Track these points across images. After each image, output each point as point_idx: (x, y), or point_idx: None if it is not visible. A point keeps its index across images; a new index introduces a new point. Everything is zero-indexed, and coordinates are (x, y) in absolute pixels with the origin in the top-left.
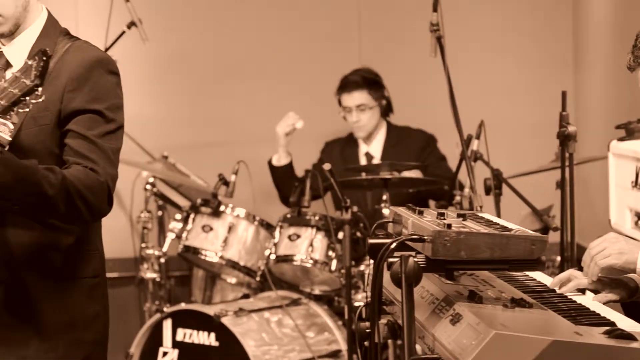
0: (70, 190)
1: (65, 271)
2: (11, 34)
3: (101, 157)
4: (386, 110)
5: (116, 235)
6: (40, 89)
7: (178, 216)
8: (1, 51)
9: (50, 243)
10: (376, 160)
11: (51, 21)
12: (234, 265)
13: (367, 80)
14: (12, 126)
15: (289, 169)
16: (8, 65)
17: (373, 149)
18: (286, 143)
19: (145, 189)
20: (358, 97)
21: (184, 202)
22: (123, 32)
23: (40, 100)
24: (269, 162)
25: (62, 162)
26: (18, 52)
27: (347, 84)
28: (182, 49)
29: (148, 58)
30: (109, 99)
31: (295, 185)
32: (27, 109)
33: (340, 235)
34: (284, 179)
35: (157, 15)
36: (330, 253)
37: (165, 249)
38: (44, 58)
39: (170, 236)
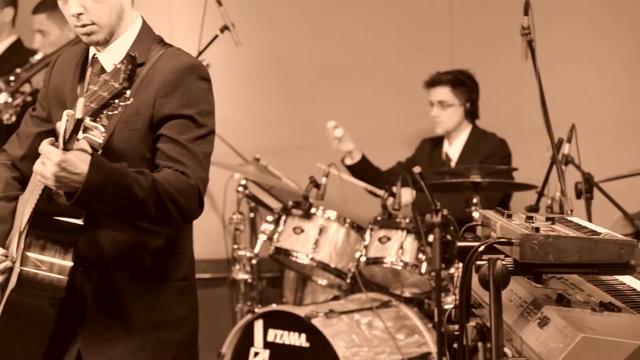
0: (160, 192)
1: (154, 273)
2: (106, 42)
3: (192, 160)
4: (470, 113)
5: (209, 236)
6: (128, 91)
7: (269, 218)
8: (96, 57)
9: (140, 245)
10: (453, 162)
11: (145, 29)
12: (324, 267)
13: (453, 78)
14: (102, 129)
15: (364, 164)
16: (103, 70)
17: (452, 150)
18: (346, 146)
19: (238, 191)
20: (440, 93)
21: (275, 204)
22: (216, 36)
23: (128, 102)
24: (343, 163)
25: (153, 166)
26: (112, 58)
27: (433, 79)
28: (275, 53)
29: (241, 61)
30: (200, 105)
31: (381, 176)
32: (116, 112)
33: (431, 238)
34: (365, 174)
35: (249, 19)
36: (421, 256)
37: (257, 250)
38: (133, 62)
39: (262, 238)
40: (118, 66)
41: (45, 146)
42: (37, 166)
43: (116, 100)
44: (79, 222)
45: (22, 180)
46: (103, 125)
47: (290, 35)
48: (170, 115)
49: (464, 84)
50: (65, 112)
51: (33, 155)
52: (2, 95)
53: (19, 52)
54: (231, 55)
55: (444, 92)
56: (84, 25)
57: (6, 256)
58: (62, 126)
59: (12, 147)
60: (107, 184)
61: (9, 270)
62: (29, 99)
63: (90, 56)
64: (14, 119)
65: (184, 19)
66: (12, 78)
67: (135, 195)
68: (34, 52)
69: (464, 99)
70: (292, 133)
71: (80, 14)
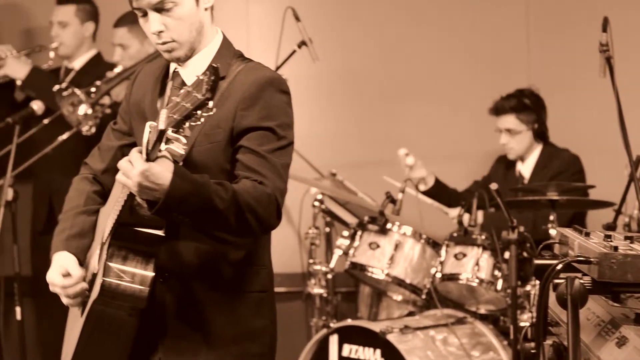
0: (240, 203)
1: (234, 285)
2: (187, 58)
3: (271, 171)
4: (539, 133)
5: (284, 250)
6: (210, 102)
7: (345, 233)
8: (177, 71)
9: (220, 257)
10: (526, 179)
11: (226, 44)
12: (400, 282)
13: (517, 104)
14: (184, 140)
15: (438, 189)
16: (183, 84)
17: (525, 169)
18: (419, 173)
19: (314, 206)
20: (506, 122)
21: (351, 219)
22: (294, 52)
23: (211, 113)
24: (417, 189)
25: (233, 178)
26: (193, 72)
27: (496, 108)
28: (351, 68)
29: (318, 76)
30: (280, 117)
31: (458, 196)
32: (199, 123)
33: (507, 254)
34: (441, 197)
35: (327, 35)
36: (497, 272)
37: (332, 265)
38: (215, 73)
39: (338, 252)
40: (200, 77)
41: (132, 153)
42: (120, 176)
43: (199, 111)
44: (160, 233)
45: (103, 194)
46: (185, 137)
47: (367, 51)
48: (250, 127)
49: (528, 108)
50: (149, 123)
51: (114, 168)
52: (82, 106)
53: (99, 66)
54: (308, 71)
55: (509, 120)
56: (164, 43)
57: (83, 278)
58: (145, 137)
59: (93, 160)
60: (189, 195)
61: (86, 293)
62: (108, 110)
63: (171, 70)
64: (93, 130)
65: (262, 35)
66: (93, 90)
67: (216, 206)
68: (113, 66)
69: (530, 123)
70: (368, 148)
71: (160, 31)
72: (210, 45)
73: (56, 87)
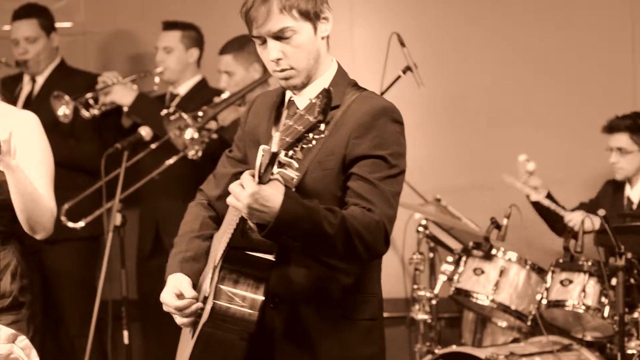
0: (348, 229)
1: (343, 311)
2: (303, 86)
3: (380, 198)
4: None
5: (388, 275)
6: (322, 125)
7: (450, 258)
8: (292, 100)
9: (330, 283)
10: (634, 204)
11: (340, 73)
12: (505, 308)
13: (632, 124)
14: (297, 165)
15: (550, 200)
16: None
17: (634, 194)
18: (535, 181)
19: (418, 231)
20: (618, 140)
21: (455, 245)
22: (399, 77)
23: (322, 135)
24: (528, 199)
25: (343, 205)
26: (308, 100)
27: (610, 126)
28: (456, 93)
29: (422, 102)
30: (392, 146)
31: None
32: (311, 145)
33: (614, 281)
34: (549, 214)
35: (432, 60)
36: (603, 299)
37: (436, 290)
38: (328, 96)
39: (442, 278)
40: (313, 101)
41: (244, 176)
42: (231, 199)
43: (311, 134)
44: (271, 258)
45: (217, 220)
46: (298, 160)
47: (472, 76)
48: (362, 155)
49: None
50: (261, 146)
51: (228, 195)
52: (189, 131)
53: (204, 91)
54: (412, 96)
55: (622, 139)
56: (282, 70)
57: (196, 299)
58: (257, 160)
59: (208, 187)
60: (299, 219)
61: (199, 312)
62: (214, 135)
63: (286, 99)
64: (199, 154)
65: (367, 60)
66: (200, 114)
67: (325, 231)
68: (218, 91)
69: None
70: (472, 173)
71: (279, 59)
72: (326, 74)
73: (164, 112)
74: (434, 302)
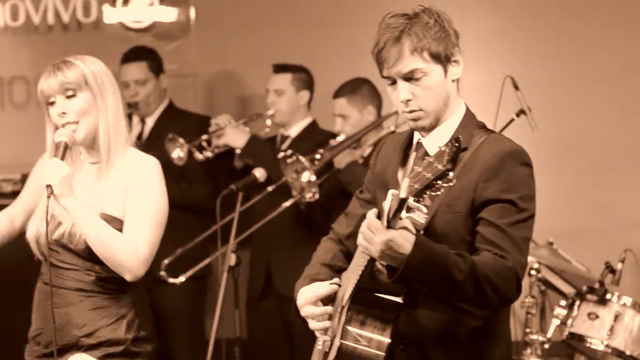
0: (478, 275)
1: (471, 354)
2: (432, 128)
3: (511, 245)
4: None
5: None
6: (451, 173)
7: (563, 302)
8: (420, 142)
9: (459, 326)
10: None
11: (469, 115)
12: (619, 354)
13: None
14: (425, 210)
15: None
16: (426, 154)
17: None
18: None
19: (530, 275)
20: None
21: (566, 288)
22: (512, 120)
23: (450, 184)
24: None
25: (472, 249)
26: (436, 142)
27: None
28: (569, 135)
29: (535, 145)
30: (521, 190)
31: None
32: (439, 193)
33: None
34: None
35: (545, 103)
36: None
37: (549, 334)
38: (457, 145)
39: (555, 322)
40: (442, 149)
41: (373, 220)
42: (361, 241)
43: (439, 182)
44: (399, 300)
45: (348, 255)
46: (426, 206)
47: (584, 118)
48: (491, 199)
49: None
50: (390, 191)
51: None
52: (305, 173)
53: (314, 133)
54: (525, 139)
55: None
56: (411, 111)
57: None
58: (386, 205)
59: (339, 225)
60: (428, 265)
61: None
62: (326, 177)
63: (414, 141)
64: (317, 197)
65: (480, 103)
66: (317, 157)
67: (454, 277)
68: (328, 133)
69: None
70: (584, 216)
71: (408, 100)
72: (455, 116)
73: (280, 155)
74: (546, 346)
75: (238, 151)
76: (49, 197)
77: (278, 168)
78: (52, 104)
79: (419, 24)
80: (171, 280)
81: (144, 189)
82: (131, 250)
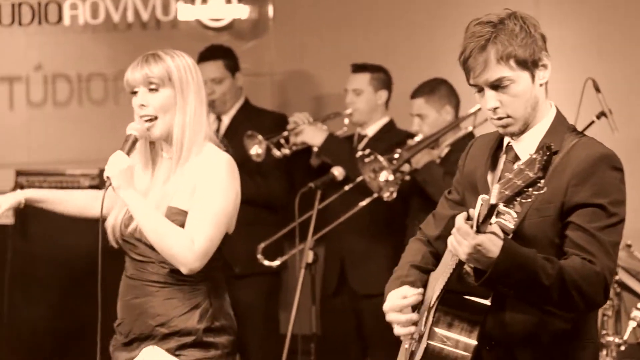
0: (566, 280)
1: (558, 357)
2: (521, 133)
3: (599, 249)
4: None
5: None
6: (542, 181)
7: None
8: (510, 145)
9: (547, 328)
10: None
11: (559, 118)
12: None
13: None
14: (515, 215)
15: None
16: (516, 158)
17: None
18: None
19: None
20: None
21: None
22: (592, 122)
23: (541, 192)
24: None
25: (561, 252)
26: (526, 147)
27: None
28: None
29: (615, 147)
30: (611, 194)
31: None
32: (530, 200)
33: None
34: None
35: (625, 105)
36: None
37: (626, 336)
38: (548, 152)
39: (632, 324)
40: (534, 156)
41: (463, 225)
42: (452, 240)
43: (530, 189)
44: (487, 302)
45: (437, 256)
46: (516, 212)
47: None
48: (581, 203)
49: None
50: (481, 196)
51: (447, 236)
52: (383, 173)
53: (391, 133)
54: (605, 141)
55: None
56: (500, 118)
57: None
58: (476, 210)
59: (428, 227)
60: (515, 269)
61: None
62: (407, 177)
63: (504, 143)
64: (394, 196)
65: (560, 104)
66: (395, 156)
67: (541, 282)
68: (405, 133)
69: None
70: None
71: (496, 108)
72: (545, 120)
73: (359, 154)
74: (622, 348)
75: (315, 149)
76: (106, 188)
77: (355, 167)
78: (135, 93)
79: (504, 31)
80: (267, 262)
81: (211, 183)
82: (186, 243)
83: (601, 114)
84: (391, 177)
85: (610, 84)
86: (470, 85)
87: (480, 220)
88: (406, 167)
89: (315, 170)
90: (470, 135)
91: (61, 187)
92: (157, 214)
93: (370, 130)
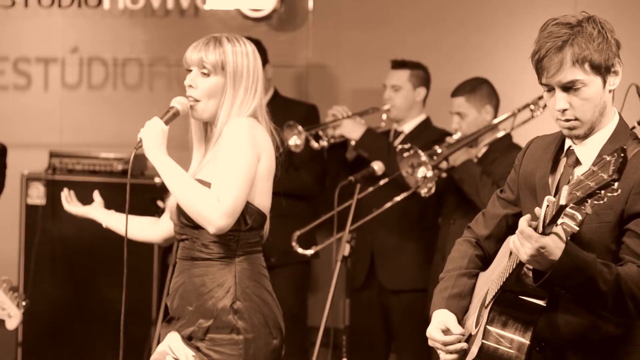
0: (622, 288)
1: None
2: (585, 137)
3: None
4: None
5: None
6: (616, 183)
7: None
8: (572, 149)
9: (596, 331)
10: None
11: (622, 125)
12: None
13: None
14: (580, 217)
15: None
16: (577, 162)
17: None
18: None
19: None
20: None
21: None
22: (633, 128)
23: (615, 194)
24: None
25: (616, 258)
26: (588, 151)
27: None
28: None
29: None
30: None
31: None
32: (602, 202)
33: None
34: None
35: None
36: None
37: None
38: (623, 154)
39: None
40: (607, 159)
41: (526, 228)
42: (514, 240)
43: (602, 191)
44: (542, 303)
45: (484, 259)
46: (586, 213)
47: None
48: None
49: None
50: (547, 197)
51: (497, 235)
52: (422, 169)
53: (428, 130)
54: None
55: None
56: (567, 120)
57: (463, 335)
58: (542, 211)
59: (477, 225)
60: (574, 273)
61: (464, 352)
62: (444, 175)
63: (565, 147)
64: (432, 191)
65: None
66: (435, 152)
67: (598, 287)
68: (441, 131)
69: None
70: None
71: (565, 109)
72: (608, 126)
73: (399, 147)
74: None
75: (353, 143)
76: (137, 148)
77: (393, 162)
78: (189, 71)
79: (582, 34)
80: (300, 250)
81: (229, 147)
82: (212, 201)
83: None
84: (429, 174)
85: None
86: (542, 84)
87: (547, 222)
88: (444, 165)
89: (350, 164)
90: (507, 137)
91: (94, 171)
92: (184, 174)
93: (407, 127)
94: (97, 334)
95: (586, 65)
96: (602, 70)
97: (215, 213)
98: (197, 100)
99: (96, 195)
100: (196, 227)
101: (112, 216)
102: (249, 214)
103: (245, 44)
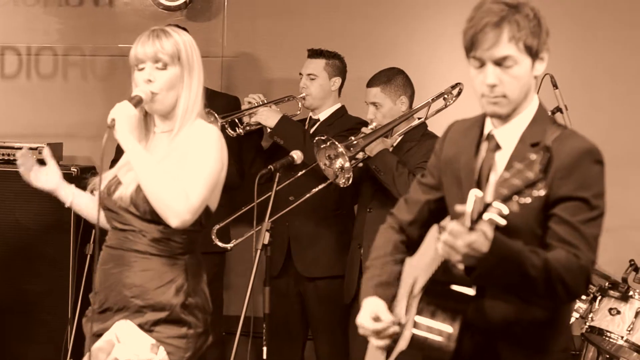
0: (551, 273)
1: (538, 344)
2: (507, 117)
3: (583, 242)
4: None
5: None
6: (542, 183)
7: (584, 297)
8: (492, 134)
9: (524, 315)
10: None
11: (542, 110)
12: (637, 349)
13: None
14: (507, 211)
15: None
16: (497, 147)
17: None
18: None
19: None
20: None
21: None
22: None
23: (541, 193)
24: None
25: (543, 243)
26: (509, 135)
27: None
28: (608, 133)
29: None
30: (595, 188)
31: None
32: (527, 200)
33: None
34: None
35: (581, 102)
36: None
37: None
38: (548, 153)
39: (575, 315)
40: (533, 157)
41: (456, 227)
42: (443, 243)
43: (529, 190)
44: (471, 292)
45: (409, 244)
46: (511, 210)
47: (620, 119)
48: (565, 197)
49: None
50: (474, 192)
51: (421, 220)
52: (339, 160)
53: (343, 119)
54: None
55: None
56: (495, 96)
57: (393, 323)
58: (468, 206)
59: (400, 211)
60: (503, 262)
61: (396, 336)
62: (360, 165)
63: (485, 132)
64: (349, 182)
65: None
66: (352, 143)
67: (528, 273)
68: (356, 119)
69: None
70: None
71: (494, 85)
72: (528, 110)
73: (316, 139)
74: None
75: (269, 130)
76: (111, 127)
77: (309, 150)
78: (141, 69)
79: (520, 14)
80: (221, 244)
81: (201, 150)
82: (181, 194)
83: (557, 109)
84: (347, 165)
85: (568, 80)
86: (472, 57)
87: (475, 218)
88: (360, 155)
89: (265, 152)
90: (422, 126)
91: (8, 161)
92: (155, 163)
93: (323, 115)
94: (13, 326)
95: (520, 44)
96: (533, 52)
97: (184, 207)
98: (155, 94)
99: (46, 153)
100: (146, 220)
101: (77, 197)
102: (205, 216)
103: (186, 34)
